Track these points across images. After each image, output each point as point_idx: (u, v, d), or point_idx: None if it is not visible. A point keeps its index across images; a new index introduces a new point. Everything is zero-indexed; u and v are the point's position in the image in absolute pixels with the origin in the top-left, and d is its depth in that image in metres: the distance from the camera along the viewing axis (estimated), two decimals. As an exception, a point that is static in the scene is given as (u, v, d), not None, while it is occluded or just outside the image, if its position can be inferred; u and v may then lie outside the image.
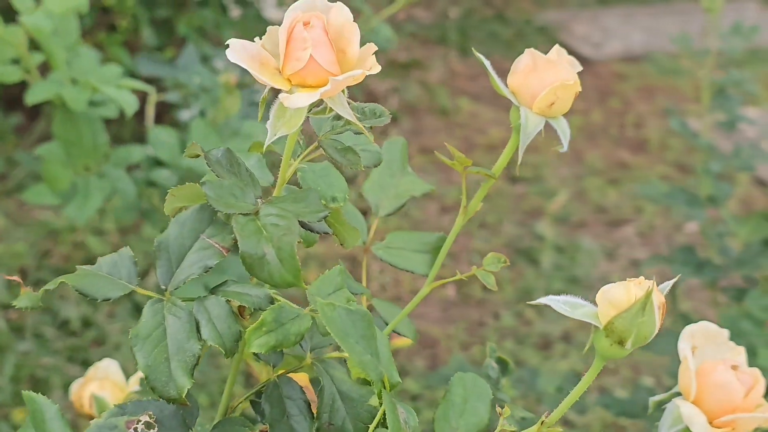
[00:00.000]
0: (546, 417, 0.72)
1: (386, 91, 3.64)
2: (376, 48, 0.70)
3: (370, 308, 0.88)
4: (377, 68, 0.69)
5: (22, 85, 1.70)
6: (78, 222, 1.69)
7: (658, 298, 0.69)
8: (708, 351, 0.80)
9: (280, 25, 0.71)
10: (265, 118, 0.71)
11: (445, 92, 3.73)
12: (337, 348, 0.82)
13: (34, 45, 1.66)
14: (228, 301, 0.74)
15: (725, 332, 0.81)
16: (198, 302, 0.74)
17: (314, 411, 0.78)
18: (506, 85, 0.81)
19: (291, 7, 0.70)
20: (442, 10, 4.40)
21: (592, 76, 3.87)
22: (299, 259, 0.71)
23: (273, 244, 0.69)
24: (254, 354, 0.79)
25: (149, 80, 2.24)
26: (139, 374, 1.12)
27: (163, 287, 0.75)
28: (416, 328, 0.92)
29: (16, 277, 0.76)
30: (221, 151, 0.74)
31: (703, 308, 2.57)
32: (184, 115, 2.03)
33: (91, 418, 1.09)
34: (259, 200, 0.73)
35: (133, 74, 2.45)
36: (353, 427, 0.75)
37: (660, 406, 0.81)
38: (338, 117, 0.75)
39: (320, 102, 0.70)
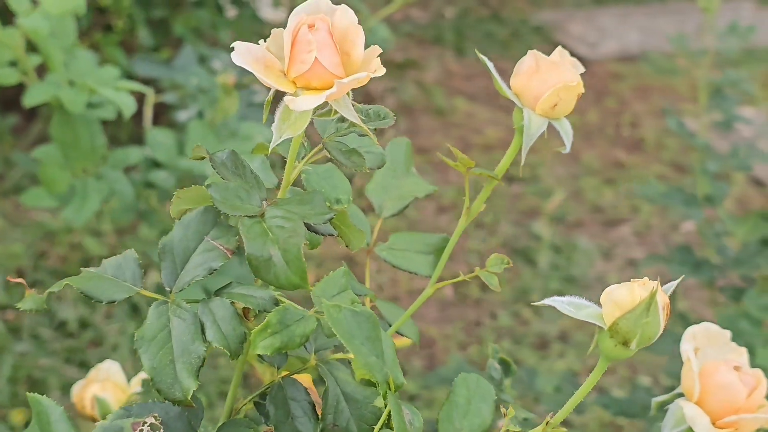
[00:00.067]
0: (551, 417, 0.72)
1: (383, 91, 3.64)
2: (380, 50, 0.71)
3: (374, 309, 0.88)
4: (382, 71, 0.70)
5: (19, 86, 1.69)
6: (76, 224, 1.69)
7: (663, 299, 0.69)
8: (710, 352, 0.80)
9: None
10: (270, 120, 0.72)
11: (441, 92, 3.73)
12: (341, 349, 0.82)
13: (31, 47, 1.66)
14: (232, 303, 0.74)
15: (727, 333, 0.81)
16: (203, 304, 0.74)
17: (318, 412, 0.78)
18: (509, 87, 0.81)
19: (295, 9, 0.71)
20: (438, 10, 4.40)
21: (588, 75, 3.86)
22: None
23: (279, 246, 0.69)
24: (258, 355, 0.80)
25: (146, 81, 2.24)
26: (141, 375, 1.12)
27: (168, 289, 0.75)
28: (415, 329, 0.93)
29: (20, 279, 0.76)
30: (226, 153, 0.74)
31: (700, 308, 2.58)
32: (182, 116, 2.03)
33: (93, 419, 1.10)
34: (264, 202, 0.73)
35: (129, 75, 2.45)
36: (358, 429, 0.76)
37: (662, 407, 0.81)
38: (342, 119, 0.76)
39: (325, 104, 0.70)
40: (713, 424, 0.75)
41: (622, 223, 3.10)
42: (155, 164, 1.83)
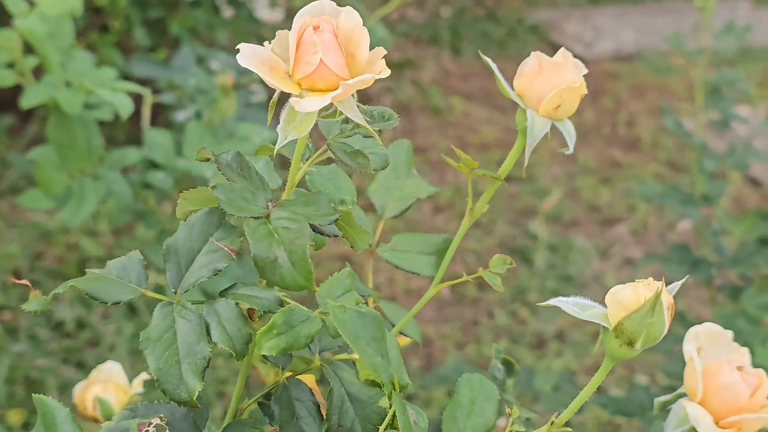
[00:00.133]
0: (555, 417, 0.72)
1: (379, 90, 3.65)
2: (385, 52, 0.71)
3: (377, 310, 0.88)
4: (387, 72, 0.70)
5: (15, 87, 1.69)
6: (73, 225, 1.69)
7: (667, 299, 0.69)
8: (712, 352, 0.81)
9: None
10: (274, 122, 0.72)
11: (437, 92, 3.74)
12: (344, 350, 0.82)
13: (28, 48, 1.65)
14: (237, 304, 0.74)
15: (729, 333, 0.82)
16: (208, 305, 0.74)
17: (323, 413, 0.78)
18: (512, 88, 0.81)
19: (300, 11, 0.71)
20: (434, 10, 4.41)
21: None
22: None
23: (285, 247, 0.69)
24: (262, 356, 0.80)
25: (143, 81, 2.23)
26: (142, 376, 1.12)
27: (173, 290, 0.75)
28: (414, 329, 0.93)
29: (25, 281, 0.76)
30: (231, 154, 0.74)
31: (698, 307, 2.58)
32: (179, 116, 2.03)
33: (95, 420, 1.09)
34: (269, 204, 0.73)
35: (126, 75, 2.45)
36: (362, 429, 0.76)
37: (665, 407, 0.81)
38: (347, 120, 0.76)
39: (329, 105, 0.70)
40: (716, 424, 0.75)
41: (619, 222, 3.11)
42: (153, 165, 1.83)
